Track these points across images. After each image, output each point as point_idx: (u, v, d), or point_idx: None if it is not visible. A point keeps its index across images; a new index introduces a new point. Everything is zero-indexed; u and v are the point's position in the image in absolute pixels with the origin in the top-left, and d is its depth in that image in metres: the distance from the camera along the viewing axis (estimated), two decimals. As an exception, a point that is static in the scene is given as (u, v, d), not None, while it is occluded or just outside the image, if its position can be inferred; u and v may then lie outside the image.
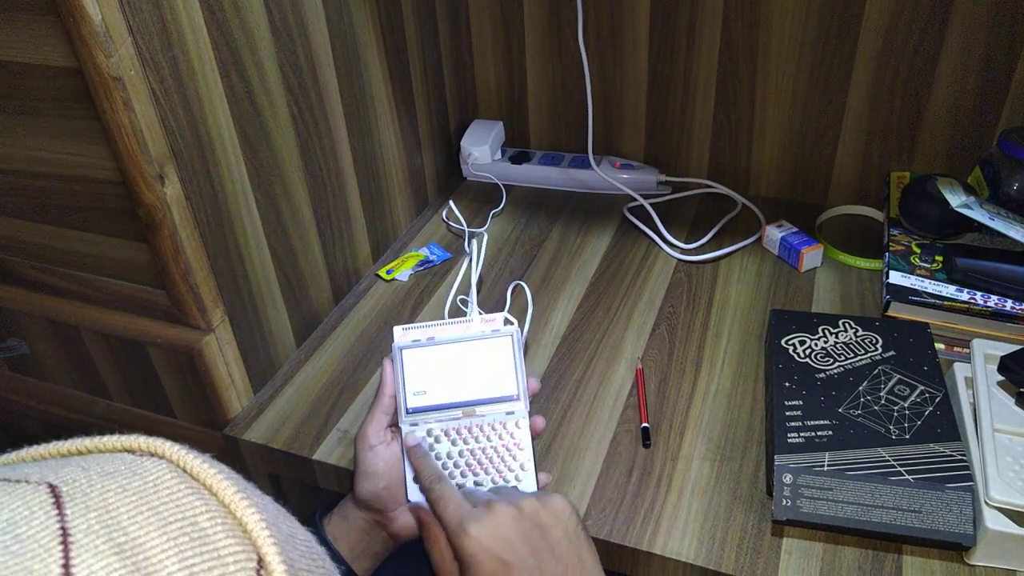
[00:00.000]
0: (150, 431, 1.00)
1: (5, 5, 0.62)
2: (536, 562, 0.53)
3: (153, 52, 0.64)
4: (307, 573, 0.31)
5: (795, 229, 0.99)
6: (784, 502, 0.66)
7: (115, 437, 0.34)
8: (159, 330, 0.79)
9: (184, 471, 0.32)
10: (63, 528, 0.27)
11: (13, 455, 0.34)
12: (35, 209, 0.76)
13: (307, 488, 0.91)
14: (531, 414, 0.67)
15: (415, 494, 0.65)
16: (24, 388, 0.95)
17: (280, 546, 0.30)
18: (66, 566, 0.26)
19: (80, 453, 0.34)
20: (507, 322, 0.68)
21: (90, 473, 0.30)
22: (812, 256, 0.97)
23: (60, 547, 0.26)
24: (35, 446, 0.35)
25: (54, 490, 0.28)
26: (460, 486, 0.65)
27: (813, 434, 0.69)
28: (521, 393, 0.66)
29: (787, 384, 0.74)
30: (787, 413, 0.71)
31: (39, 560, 0.26)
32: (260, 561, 0.29)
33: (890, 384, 0.73)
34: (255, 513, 0.30)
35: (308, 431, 0.81)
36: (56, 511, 0.27)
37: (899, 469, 0.65)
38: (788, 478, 0.66)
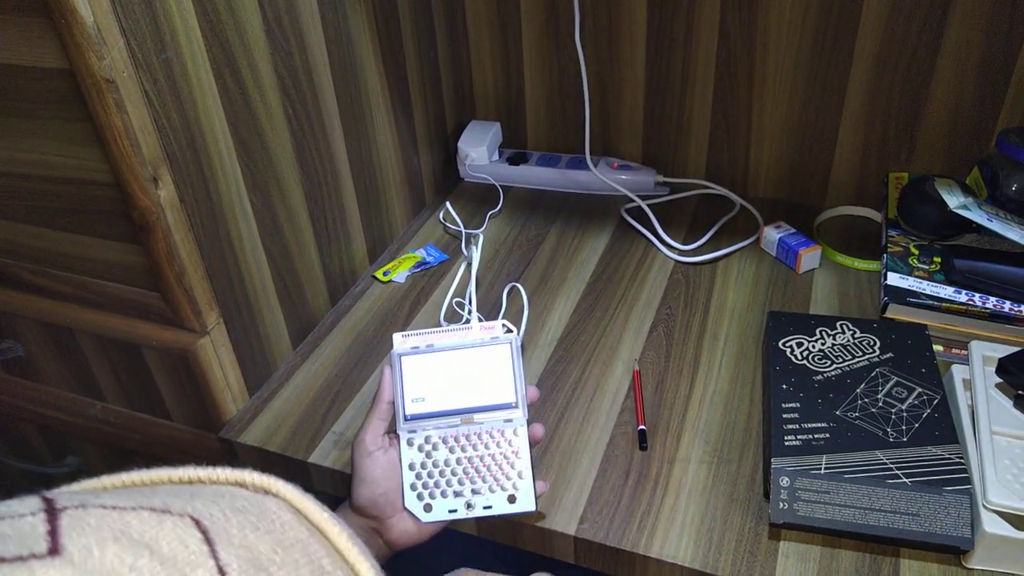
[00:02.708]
0: (145, 433, 0.99)
1: (-3, 7, 0.62)
2: None
3: (146, 54, 0.64)
4: None
5: (793, 230, 0.99)
6: (781, 505, 0.66)
7: (227, 470, 0.36)
8: (154, 332, 0.78)
9: (299, 512, 0.35)
10: (219, 567, 0.28)
11: (120, 477, 0.35)
12: (28, 211, 0.76)
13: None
14: (529, 421, 0.66)
15: (412, 501, 0.64)
16: (19, 390, 0.95)
17: None
18: None
19: (191, 483, 0.35)
20: (506, 329, 0.68)
21: (223, 509, 0.32)
22: (810, 257, 0.96)
23: None
24: (143, 470, 0.36)
25: (199, 524, 0.30)
26: (458, 494, 0.65)
27: (810, 437, 0.68)
28: (520, 401, 0.66)
29: (784, 386, 0.74)
30: (784, 416, 0.71)
31: None
32: None
33: (888, 386, 0.73)
34: (364, 561, 0.34)
35: (304, 434, 0.80)
36: (208, 548, 0.29)
37: (897, 472, 0.65)
38: (785, 481, 0.66)
